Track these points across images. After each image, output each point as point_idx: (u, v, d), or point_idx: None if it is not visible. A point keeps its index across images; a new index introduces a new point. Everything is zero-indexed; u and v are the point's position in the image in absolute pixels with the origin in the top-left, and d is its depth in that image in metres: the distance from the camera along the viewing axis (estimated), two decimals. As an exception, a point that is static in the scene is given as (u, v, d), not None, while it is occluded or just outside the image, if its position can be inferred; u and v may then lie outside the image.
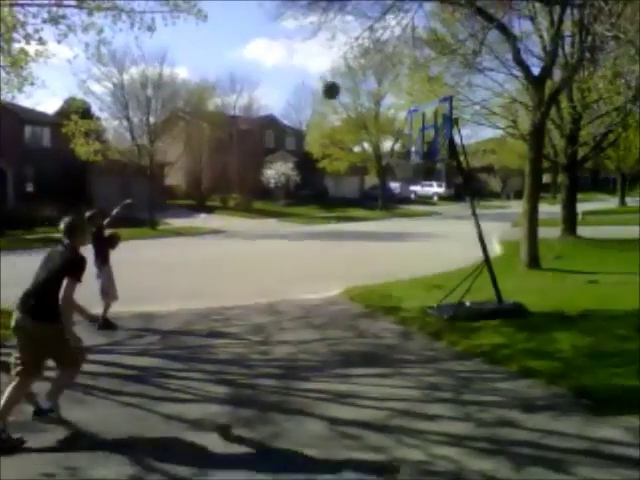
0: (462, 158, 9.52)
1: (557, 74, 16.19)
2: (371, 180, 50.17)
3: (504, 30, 13.25)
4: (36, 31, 9.64)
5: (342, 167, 42.38)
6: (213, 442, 4.67)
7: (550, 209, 25.21)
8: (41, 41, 9.86)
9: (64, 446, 4.66)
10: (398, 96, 37.61)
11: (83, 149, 24.73)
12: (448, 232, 24.16)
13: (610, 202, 47.47)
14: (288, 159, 44.79)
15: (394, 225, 30.73)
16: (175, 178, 40.89)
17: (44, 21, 9.55)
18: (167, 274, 14.69)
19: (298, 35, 46.65)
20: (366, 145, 44.53)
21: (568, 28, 14.63)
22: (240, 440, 4.73)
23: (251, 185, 40.46)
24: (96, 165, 28.17)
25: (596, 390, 5.41)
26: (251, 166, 41.27)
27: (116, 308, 8.89)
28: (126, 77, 31.94)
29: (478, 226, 9.21)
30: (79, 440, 4.80)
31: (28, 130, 35.25)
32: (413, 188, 54.85)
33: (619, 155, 36.35)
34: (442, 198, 53.49)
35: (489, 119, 20.66)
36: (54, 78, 51.05)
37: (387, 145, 44.70)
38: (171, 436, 4.80)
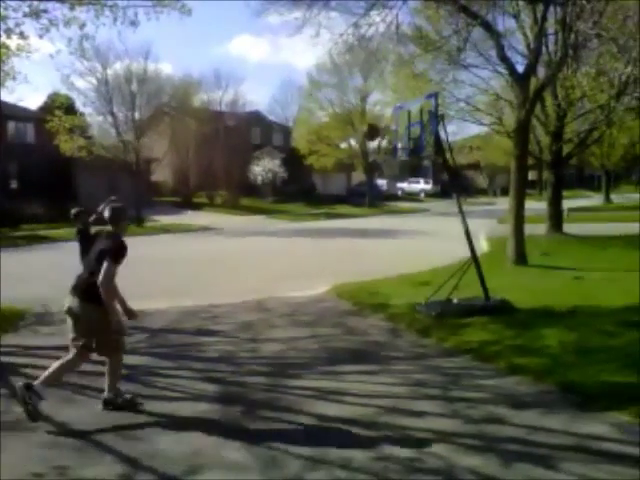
0: (448, 155, 9.56)
1: (541, 71, 16.31)
2: (358, 177, 50.23)
3: (488, 27, 13.32)
4: (17, 25, 9.54)
5: (329, 163, 42.37)
6: (202, 440, 4.67)
7: (536, 206, 25.41)
8: (22, 35, 9.76)
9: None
10: (384, 93, 37.78)
11: (68, 145, 24.58)
12: (435, 229, 24.26)
13: (595, 199, 47.92)
14: (275, 155, 44.71)
15: (381, 222, 30.79)
16: (161, 174, 40.68)
17: (25, 15, 9.45)
18: (155, 271, 14.62)
19: (283, 31, 46.63)
20: (353, 142, 44.55)
21: (551, 26, 14.73)
22: (229, 438, 4.73)
23: (238, 182, 40.34)
24: (81, 161, 28.02)
25: (583, 386, 5.47)
26: (238, 162, 41.14)
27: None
28: (110, 72, 31.66)
29: (465, 223, 9.27)
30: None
31: (11, 126, 34.87)
32: (400, 185, 54.99)
33: (603, 152, 36.74)
34: (429, 195, 53.70)
35: (474, 116, 20.79)
36: (37, 73, 50.32)
37: (374, 142, 44.71)
38: (160, 433, 4.80)
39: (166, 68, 65.43)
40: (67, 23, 9.63)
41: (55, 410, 5.27)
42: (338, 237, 23.25)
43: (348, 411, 5.21)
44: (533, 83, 14.34)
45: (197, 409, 5.33)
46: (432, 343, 7.40)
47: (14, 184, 33.74)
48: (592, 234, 19.92)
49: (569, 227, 20.99)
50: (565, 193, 22.20)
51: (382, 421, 4.97)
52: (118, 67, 32.02)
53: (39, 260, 17.58)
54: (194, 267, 15.46)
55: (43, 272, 14.65)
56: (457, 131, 31.21)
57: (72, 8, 9.57)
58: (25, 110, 35.68)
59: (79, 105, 33.97)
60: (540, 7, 13.58)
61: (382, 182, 51.92)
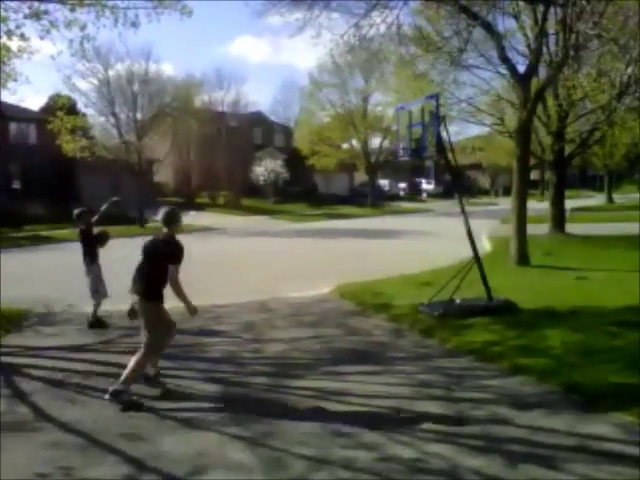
0: (450, 155, 9.56)
1: (543, 72, 16.29)
2: (360, 177, 50.22)
3: (488, 28, 13.31)
4: (17, 27, 9.55)
5: (331, 164, 42.39)
6: (206, 441, 4.68)
7: (538, 206, 25.41)
8: (23, 37, 9.77)
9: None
10: (385, 93, 37.78)
11: (70, 146, 24.59)
12: (437, 229, 24.26)
13: (597, 199, 47.88)
14: (277, 156, 44.74)
15: (384, 222, 30.79)
16: (164, 175, 40.71)
17: (25, 16, 9.46)
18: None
19: (284, 32, 46.56)
20: (354, 142, 44.56)
21: (552, 26, 14.72)
22: (233, 438, 4.73)
23: (240, 182, 40.37)
24: (84, 162, 28.03)
25: (587, 387, 5.46)
26: (240, 163, 41.18)
27: (107, 306, 8.85)
28: (111, 73, 31.71)
29: (467, 223, 9.26)
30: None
31: (13, 127, 34.95)
32: (402, 185, 54.98)
33: (605, 152, 36.65)
34: (431, 195, 53.69)
35: (476, 116, 20.76)
36: (38, 74, 50.48)
37: (376, 142, 44.81)
38: (164, 434, 4.80)
39: (168, 69, 65.85)
40: (68, 24, 9.65)
41: (59, 410, 5.28)
42: (340, 237, 23.25)
43: (351, 412, 5.21)
44: (534, 83, 14.33)
45: (200, 409, 5.33)
46: (435, 343, 7.40)
47: (16, 185, 33.83)
48: (595, 234, 19.91)
49: (572, 227, 20.97)
50: (567, 193, 22.18)
51: (385, 421, 4.97)
52: (119, 68, 32.13)
53: (42, 261, 17.61)
54: (197, 267, 15.40)
55: (46, 272, 14.66)
56: (459, 131, 31.15)
57: (73, 10, 9.58)
58: (27, 111, 35.77)
59: (81, 106, 34.10)
60: (540, 8, 13.59)
61: (384, 182, 51.93)
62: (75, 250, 8.96)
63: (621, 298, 9.06)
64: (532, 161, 20.34)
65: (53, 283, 12.42)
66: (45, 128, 23.77)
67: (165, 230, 5.74)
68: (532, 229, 14.98)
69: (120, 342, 7.95)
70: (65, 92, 31.66)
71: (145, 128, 32.68)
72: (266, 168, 42.50)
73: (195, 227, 28.02)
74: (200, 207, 38.58)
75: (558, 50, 15.13)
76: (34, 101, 63.29)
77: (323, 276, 12.80)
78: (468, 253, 9.63)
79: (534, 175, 47.19)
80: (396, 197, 50.59)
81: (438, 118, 9.04)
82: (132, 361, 5.51)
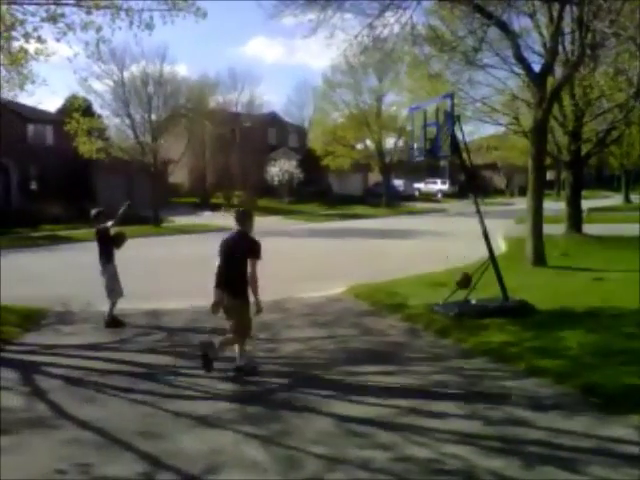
0: (465, 155, 9.53)
1: (558, 71, 16.14)
2: (374, 177, 50.11)
3: (503, 27, 13.22)
4: (35, 29, 9.67)
5: (345, 164, 42.32)
6: (222, 439, 4.70)
7: (554, 206, 25.19)
8: (40, 39, 9.89)
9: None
10: (399, 93, 37.64)
11: (86, 147, 24.74)
12: (452, 229, 24.14)
13: (614, 199, 47.37)
14: (291, 156, 44.77)
15: (398, 222, 30.70)
16: (179, 176, 40.90)
17: (42, 19, 9.58)
18: (173, 271, 14.72)
19: (297, 33, 46.56)
20: (369, 142, 44.46)
21: (568, 25, 14.58)
22: (248, 437, 4.75)
23: (255, 182, 40.44)
24: (100, 163, 28.23)
25: (604, 388, 5.41)
26: (254, 163, 41.25)
27: (123, 305, 8.93)
28: (127, 75, 31.90)
29: (482, 223, 9.21)
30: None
31: (31, 128, 35.23)
32: (417, 185, 54.78)
33: (622, 152, 36.25)
34: (446, 195, 53.42)
35: (491, 116, 20.63)
36: (55, 76, 50.93)
37: (390, 142, 44.66)
38: (181, 432, 4.83)
39: (182, 70, 66.03)
40: (84, 27, 9.75)
41: (77, 408, 5.34)
42: (355, 238, 23.22)
43: (367, 411, 5.21)
44: (550, 82, 14.21)
45: (216, 408, 5.36)
46: (451, 344, 7.38)
47: (34, 185, 34.14)
48: (612, 235, 19.69)
49: (588, 227, 20.78)
50: (584, 193, 21.95)
51: (401, 422, 4.97)
52: (134, 69, 32.32)
53: (59, 260, 17.77)
54: (212, 267, 15.51)
55: (63, 272, 14.80)
56: (474, 131, 30.91)
57: (89, 12, 9.69)
58: (44, 113, 36.13)
59: (96, 107, 34.35)
60: (556, 6, 13.46)
61: (399, 182, 51.77)
62: (92, 250, 9.05)
63: (638, 299, 8.96)
64: (548, 161, 20.18)
65: (70, 282, 12.53)
66: (62, 129, 23.96)
67: (239, 228, 6.24)
68: (548, 229, 14.86)
69: (136, 341, 8.01)
70: (81, 94, 31.98)
71: (160, 129, 32.84)
72: (280, 168, 42.53)
73: (210, 227, 28.09)
74: (215, 207, 38.71)
75: (574, 49, 15.02)
76: (51, 103, 63.84)
77: (337, 276, 12.79)
78: (483, 253, 9.59)
79: (550, 175, 46.75)
80: (411, 197, 50.39)
81: (453, 118, 9.01)
82: (236, 346, 6.29)
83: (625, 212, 32.22)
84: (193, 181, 43.60)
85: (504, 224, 23.27)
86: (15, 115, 31.42)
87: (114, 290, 8.67)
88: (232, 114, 43.74)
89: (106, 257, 8.68)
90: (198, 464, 4.27)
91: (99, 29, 9.78)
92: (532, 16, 16.38)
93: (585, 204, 22.39)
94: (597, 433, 4.62)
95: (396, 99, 40.47)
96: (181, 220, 31.18)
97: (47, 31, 10.13)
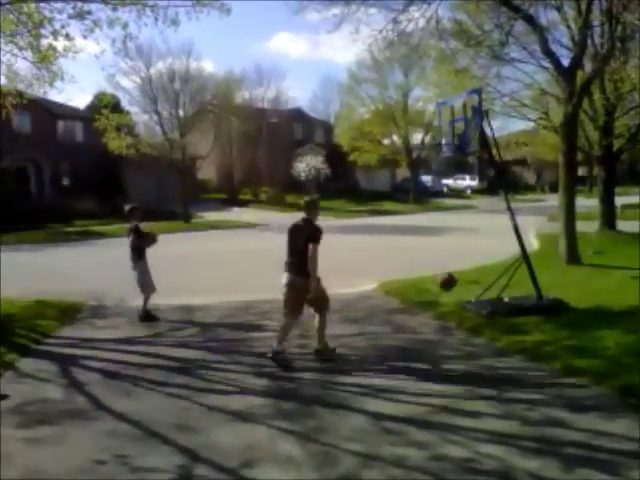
0: (494, 150, 9.41)
1: (588, 65, 15.81)
2: (402, 173, 49.84)
3: (530, 21, 12.99)
4: (63, 27, 9.83)
5: (372, 160, 42.17)
6: (256, 434, 4.73)
7: (587, 202, 24.76)
8: (68, 37, 10.04)
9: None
10: (426, 88, 37.28)
11: (115, 143, 25.13)
12: (482, 226, 23.90)
13: (648, 195, 46.29)
14: (317, 152, 44.75)
15: (427, 219, 30.52)
16: (207, 172, 41.22)
17: (70, 16, 9.73)
18: (203, 267, 14.84)
19: (322, 28, 46.31)
20: (395, 137, 44.24)
21: (597, 18, 14.23)
22: (283, 432, 4.77)
23: (282, 178, 40.57)
24: (129, 159, 28.65)
25: (644, 390, 5.32)
26: (281, 159, 41.37)
27: (156, 300, 9.04)
28: (153, 71, 32.22)
29: (514, 219, 9.09)
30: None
31: (61, 125, 35.75)
32: (445, 181, 54.36)
33: (657, 147, 35.46)
34: (475, 191, 52.86)
35: (520, 111, 20.31)
36: (83, 73, 51.53)
37: (417, 137, 44.37)
38: (216, 426, 4.88)
39: (208, 66, 66.34)
40: (110, 24, 9.87)
41: (114, 401, 5.43)
42: (383, 234, 23.14)
43: (400, 409, 5.20)
44: (580, 77, 13.94)
45: (250, 403, 5.40)
46: (484, 342, 7.30)
47: (65, 181, 34.73)
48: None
49: (622, 224, 20.37)
50: (617, 189, 21.47)
51: (436, 420, 4.95)
52: (161, 66, 32.63)
53: (92, 255, 18.06)
54: (241, 262, 15.63)
55: (96, 267, 15.03)
56: (502, 126, 30.56)
57: (115, 9, 9.80)
58: (73, 109, 36.69)
59: (125, 104, 34.75)
60: (584, -1, 13.20)
61: (427, 178, 51.42)
62: (123, 245, 9.17)
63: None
64: (579, 156, 19.81)
65: (103, 277, 12.73)
66: (91, 126, 24.35)
67: (305, 216, 6.74)
68: (581, 226, 14.61)
69: (170, 335, 8.12)
70: (109, 90, 32.43)
71: (187, 125, 33.10)
72: (307, 164, 42.54)
73: (239, 223, 28.33)
74: (243, 203, 38.93)
75: (604, 42, 14.70)
76: (80, 100, 64.64)
77: (366, 273, 12.77)
78: (515, 250, 9.48)
79: (582, 171, 45.95)
80: (439, 193, 50.01)
81: (481, 113, 8.91)
82: (317, 328, 6.80)
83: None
84: (221, 177, 43.92)
85: (536, 221, 22.96)
86: (45, 112, 31.95)
87: (146, 285, 8.79)
88: (258, 110, 43.89)
89: (137, 253, 8.79)
90: (234, 458, 4.30)
91: (125, 25, 9.90)
92: (560, 9, 16.02)
93: (618, 200, 21.96)
94: (637, 435, 4.53)
95: (422, 94, 40.04)
96: (210, 216, 31.42)
97: (75, 28, 10.31)
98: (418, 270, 12.42)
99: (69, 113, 35.77)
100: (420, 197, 42.71)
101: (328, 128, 52.61)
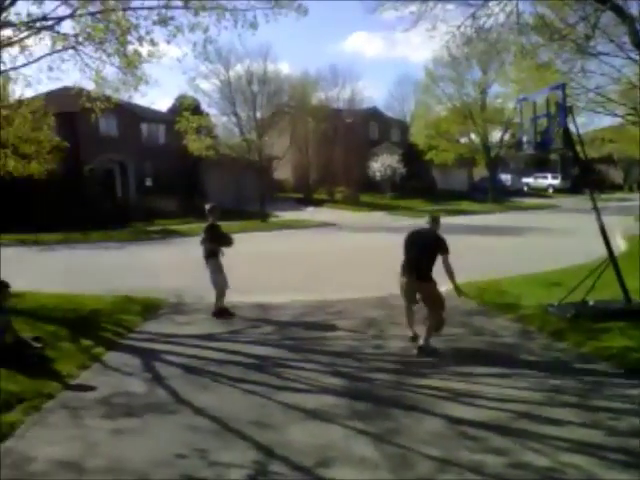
0: (578, 148, 9.01)
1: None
2: (480, 172, 48.69)
3: (619, 11, 12.31)
4: (147, 33, 10.23)
5: (449, 159, 41.45)
6: (332, 434, 4.74)
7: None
8: (152, 42, 10.44)
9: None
10: (505, 85, 36.22)
11: (195, 145, 25.84)
12: (565, 226, 22.98)
13: None
14: (393, 151, 44.44)
15: (506, 218, 29.67)
16: (283, 172, 41.79)
17: (154, 23, 10.11)
18: (279, 266, 15.03)
19: (398, 26, 45.69)
20: (473, 136, 43.29)
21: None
22: (358, 433, 4.75)
23: (357, 178, 40.54)
24: (208, 160, 29.42)
25: None
26: (356, 159, 41.35)
27: (233, 298, 9.25)
28: (232, 74, 32.98)
29: (600, 220, 8.67)
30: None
31: (144, 128, 37.11)
32: (525, 180, 52.66)
33: None
34: (557, 190, 50.90)
35: (606, 106, 19.37)
36: (166, 77, 53.70)
37: (496, 135, 43.23)
38: (292, 424, 4.92)
39: (284, 68, 67.19)
40: (192, 28, 10.19)
41: (194, 395, 5.58)
42: (460, 234, 22.62)
43: (479, 414, 5.07)
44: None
45: (326, 402, 5.41)
46: (567, 347, 7.01)
47: (149, 182, 36.08)
48: None
49: None
50: None
51: (516, 427, 4.79)
52: (239, 68, 33.33)
53: (171, 253, 18.67)
54: (316, 262, 15.72)
55: (175, 264, 15.52)
56: (587, 123, 29.17)
57: (196, 14, 10.11)
58: (156, 112, 38.07)
59: (204, 106, 35.75)
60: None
61: (506, 177, 50.00)
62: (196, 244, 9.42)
63: None
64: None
65: (182, 274, 13.12)
66: (172, 128, 25.16)
67: (429, 226, 7.32)
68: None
69: (247, 332, 8.27)
70: (190, 93, 33.47)
71: (265, 126, 33.67)
72: (383, 163, 42.33)
73: (315, 222, 28.52)
74: (319, 203, 39.19)
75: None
76: (162, 103, 67.15)
77: (442, 273, 12.49)
78: (600, 252, 9.05)
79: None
80: (519, 192, 48.49)
81: (565, 109, 8.57)
82: (426, 325, 7.10)
83: None
84: (297, 177, 44.41)
85: (623, 221, 21.83)
86: (131, 115, 33.31)
87: (219, 283, 8.98)
88: (334, 110, 44.04)
89: (211, 251, 9.01)
90: (309, 457, 4.32)
91: (206, 29, 10.18)
92: (651, -2, 15.17)
93: None
94: None
95: (501, 91, 39.07)
96: (286, 215, 31.80)
97: (158, 34, 10.69)
98: (497, 271, 12.07)
99: (152, 116, 37.14)
100: (499, 196, 41.56)
101: (404, 127, 52.18)
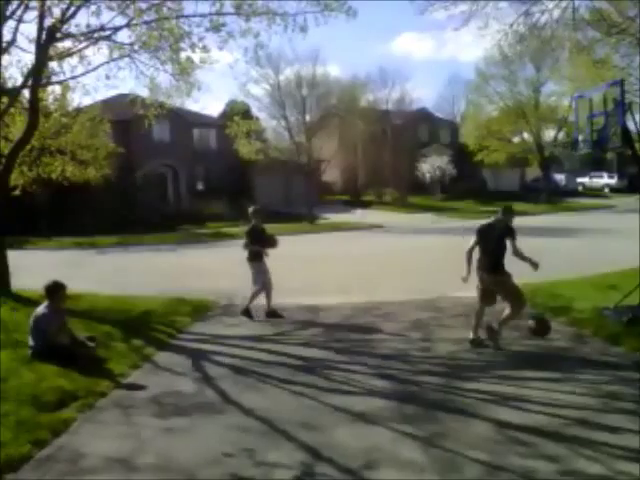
0: (638, 146, 8.69)
1: None
2: (533, 172, 47.58)
3: (684, 1, 11.85)
4: (200, 39, 10.44)
5: (500, 159, 40.69)
6: (379, 436, 4.71)
7: None
8: (205, 49, 10.63)
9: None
10: (559, 82, 35.38)
11: (246, 149, 26.21)
12: (622, 227, 22.14)
13: None
14: (443, 152, 43.94)
15: (559, 219, 28.93)
16: (331, 174, 41.89)
17: (206, 30, 10.31)
18: (327, 268, 15.05)
19: (448, 25, 45.16)
20: (526, 135, 42.35)
21: None
22: (405, 436, 4.71)
23: (406, 179, 40.27)
24: (258, 163, 29.78)
25: None
26: (405, 160, 41.08)
27: (282, 300, 9.33)
28: (282, 78, 33.30)
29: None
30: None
31: (196, 133, 37.84)
32: (580, 180, 51.16)
33: None
34: (614, 190, 49.23)
35: (668, 103, 18.63)
36: (217, 82, 54.68)
37: (549, 134, 42.15)
38: (339, 426, 4.91)
39: (334, 71, 67.42)
40: (243, 34, 10.35)
41: (242, 395, 5.64)
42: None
43: (530, 419, 4.95)
44: None
45: (373, 405, 5.39)
46: (624, 352, 6.77)
47: (200, 186, 36.77)
48: None
49: None
50: None
51: (569, 433, 4.66)
52: (289, 72, 33.61)
53: (221, 255, 18.94)
54: (363, 264, 15.67)
55: (224, 266, 15.73)
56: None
57: (248, 19, 10.25)
58: (207, 117, 38.77)
59: (255, 111, 36.24)
60: None
61: (560, 177, 48.70)
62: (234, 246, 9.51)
63: None
64: None
65: (233, 277, 13.30)
66: (223, 133, 25.60)
67: (500, 217, 7.31)
68: None
69: (295, 334, 8.32)
70: (240, 98, 33.94)
71: (313, 129, 33.84)
72: (432, 165, 41.94)
73: (363, 225, 28.45)
74: (366, 205, 39.08)
75: None
76: (214, 108, 68.35)
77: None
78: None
79: None
80: (573, 193, 47.13)
81: (623, 106, 8.29)
82: (503, 317, 7.19)
83: None
84: (345, 179, 44.45)
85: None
86: (183, 121, 34.02)
87: (265, 283, 9.06)
88: (382, 112, 43.87)
89: (254, 254, 9.09)
90: (356, 459, 4.31)
91: (257, 35, 10.34)
92: None
93: None
94: None
95: (555, 88, 38.18)
96: (334, 218, 31.84)
97: (210, 40, 10.88)
98: (549, 274, 11.73)
99: (204, 121, 37.85)
100: (552, 197, 40.50)
101: (454, 128, 51.55)
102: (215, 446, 4.58)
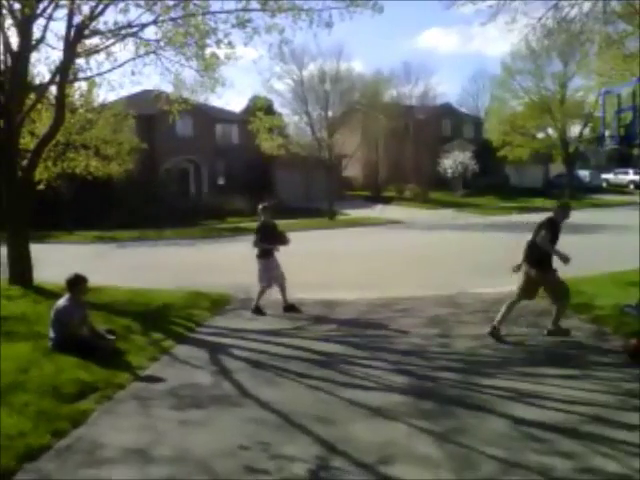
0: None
1: None
2: (557, 168, 46.95)
3: None
4: (225, 36, 10.48)
5: (524, 155, 40.20)
6: (394, 432, 4.71)
7: None
8: (230, 45, 10.67)
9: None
10: (587, 77, 34.77)
11: (268, 144, 26.34)
12: (647, 224, 21.84)
13: None
14: (466, 148, 43.54)
15: (583, 216, 28.35)
16: (352, 170, 41.78)
17: (232, 26, 10.34)
18: (346, 263, 15.05)
19: (475, 20, 44.83)
20: (551, 131, 41.77)
21: None
22: (421, 432, 4.71)
23: (427, 175, 40.02)
24: (279, 159, 29.85)
25: None
26: (427, 156, 40.83)
27: (299, 294, 9.35)
28: (305, 73, 33.24)
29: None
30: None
31: (219, 128, 38.02)
32: (605, 176, 50.34)
33: None
34: (639, 187, 48.38)
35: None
36: (240, 78, 54.88)
37: (575, 130, 41.54)
38: (355, 421, 4.92)
39: (357, 66, 67.14)
40: (268, 30, 10.36)
41: (259, 389, 5.68)
42: (531, 231, 21.94)
43: (547, 416, 4.91)
44: None
45: (389, 400, 5.39)
46: (645, 350, 6.66)
47: (221, 181, 36.96)
48: None
49: None
50: None
51: (586, 430, 4.61)
52: (312, 68, 33.56)
53: (241, 250, 18.99)
54: (383, 259, 15.64)
55: (244, 261, 15.77)
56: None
57: (273, 15, 10.25)
58: (230, 113, 38.92)
59: (277, 106, 36.25)
60: None
61: (584, 173, 47.97)
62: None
63: None
64: None
65: (250, 271, 13.36)
66: (245, 128, 25.71)
67: (553, 214, 7.55)
68: None
69: (312, 328, 8.34)
70: (263, 94, 34.00)
71: (336, 125, 33.75)
72: (454, 160, 41.59)
73: (383, 220, 28.38)
74: (387, 200, 38.94)
75: None
76: (236, 104, 68.63)
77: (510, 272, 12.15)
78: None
79: None
80: (598, 189, 46.40)
81: (653, 101, 8.16)
82: (554, 311, 7.38)
83: None
84: (366, 175, 44.32)
85: None
86: (206, 116, 34.20)
87: (267, 282, 9.15)
88: (406, 107, 43.64)
89: (263, 251, 9.14)
90: (371, 454, 4.32)
91: (282, 31, 10.34)
92: None
93: None
94: None
95: (583, 83, 37.54)
96: (354, 213, 31.79)
97: (236, 36, 10.92)
98: (570, 270, 11.57)
99: (226, 117, 38.02)
100: (576, 193, 39.92)
101: (478, 123, 51.08)
102: (231, 439, 4.62)
